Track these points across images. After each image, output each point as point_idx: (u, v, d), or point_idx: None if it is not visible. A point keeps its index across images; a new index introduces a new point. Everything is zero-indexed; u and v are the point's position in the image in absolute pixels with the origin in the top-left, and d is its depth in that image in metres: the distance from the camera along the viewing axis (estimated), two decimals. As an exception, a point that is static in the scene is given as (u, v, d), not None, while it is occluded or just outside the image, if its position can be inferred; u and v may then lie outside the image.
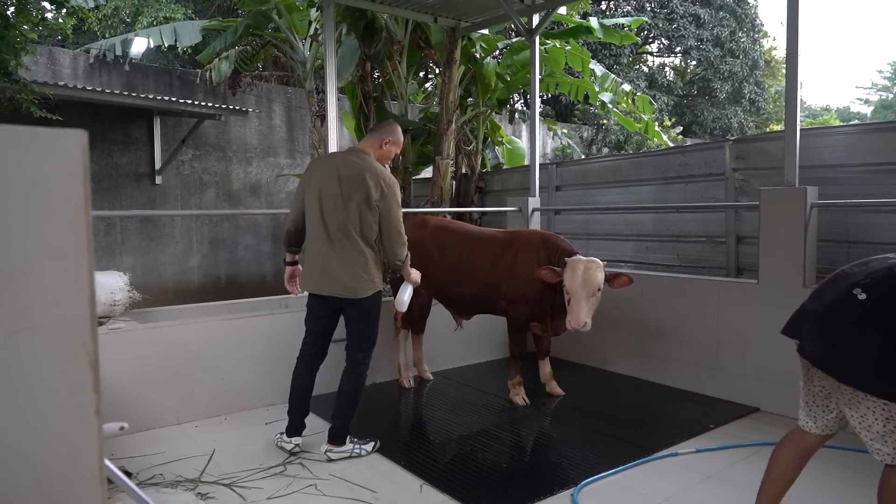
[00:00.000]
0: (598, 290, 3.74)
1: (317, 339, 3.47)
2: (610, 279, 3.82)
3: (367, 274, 3.24)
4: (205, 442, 3.56)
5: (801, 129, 3.90)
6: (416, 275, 3.54)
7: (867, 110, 28.57)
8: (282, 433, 3.46)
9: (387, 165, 3.52)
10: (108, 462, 1.80)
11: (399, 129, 3.47)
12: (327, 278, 3.25)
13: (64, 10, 6.25)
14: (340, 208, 3.19)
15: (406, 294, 3.54)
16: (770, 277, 3.97)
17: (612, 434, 3.63)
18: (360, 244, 3.22)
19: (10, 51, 5.31)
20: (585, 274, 3.71)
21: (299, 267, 3.57)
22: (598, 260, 3.82)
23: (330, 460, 3.29)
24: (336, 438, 3.32)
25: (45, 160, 0.81)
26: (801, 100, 3.91)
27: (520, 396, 4.23)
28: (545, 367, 4.47)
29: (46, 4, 5.89)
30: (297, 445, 3.40)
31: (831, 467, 3.13)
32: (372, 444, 3.42)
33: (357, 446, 3.36)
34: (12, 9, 5.64)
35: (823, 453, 3.23)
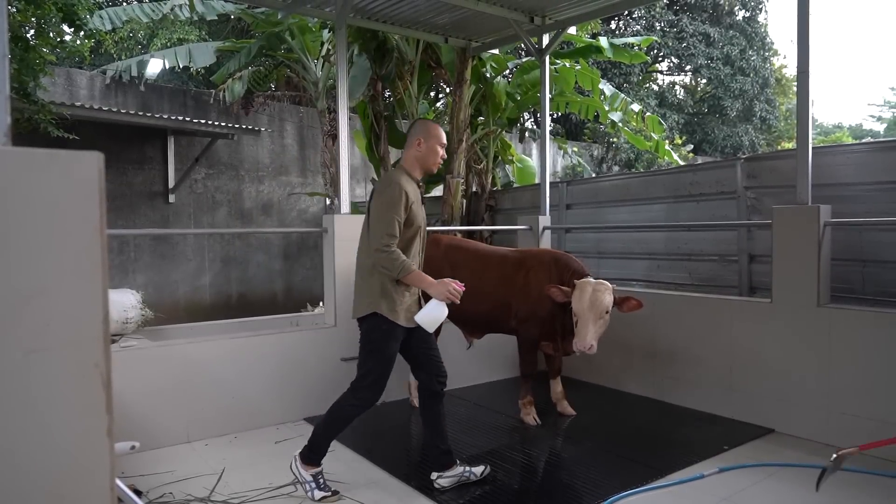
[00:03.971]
0: (606, 312, 3.71)
1: (411, 370, 3.35)
2: (619, 302, 3.78)
3: (360, 292, 3.07)
4: (215, 460, 3.55)
5: (813, 147, 3.88)
6: (437, 285, 2.97)
7: (880, 128, 28.40)
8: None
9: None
10: (118, 481, 1.80)
11: (427, 122, 3.22)
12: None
13: (82, 33, 6.39)
14: (364, 227, 3.16)
15: (427, 312, 2.98)
16: (784, 296, 3.93)
17: (624, 455, 3.59)
18: (361, 262, 3.12)
19: (30, 72, 5.42)
20: (593, 296, 3.68)
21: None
22: (607, 283, 3.80)
23: (293, 472, 3.09)
24: (305, 456, 3.09)
25: (62, 182, 0.82)
26: (813, 117, 3.90)
27: (531, 416, 4.19)
28: (557, 387, 4.43)
29: (65, 27, 6.02)
30: (438, 479, 3.17)
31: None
32: (320, 492, 3.03)
33: (310, 481, 3.05)
34: (32, 32, 5.77)
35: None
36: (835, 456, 2.93)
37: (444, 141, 3.22)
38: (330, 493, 3.04)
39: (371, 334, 3.04)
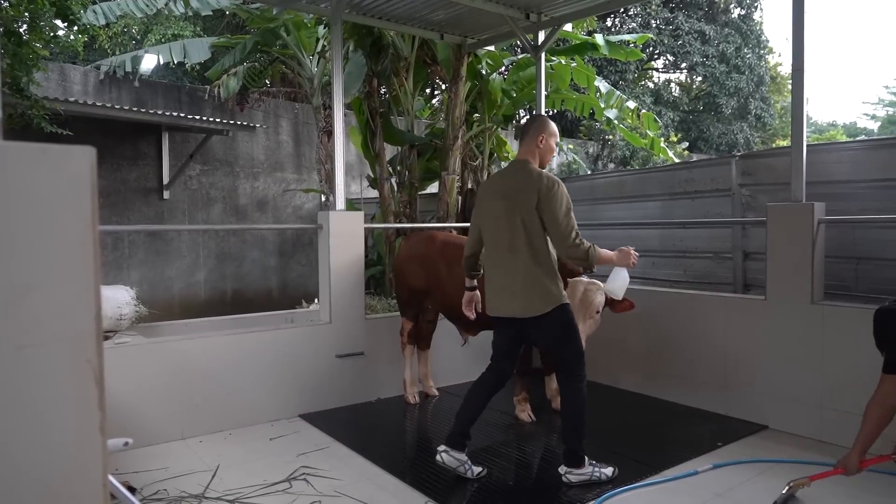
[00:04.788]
0: (597, 312, 3.71)
1: (498, 362, 3.34)
2: (611, 303, 3.79)
3: (541, 289, 3.11)
4: (209, 457, 3.55)
5: (807, 145, 3.89)
6: (619, 255, 3.24)
7: (874, 126, 28.51)
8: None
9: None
10: (111, 478, 1.79)
11: (547, 120, 3.30)
12: (504, 299, 3.19)
13: (75, 28, 6.35)
14: (506, 227, 3.13)
15: (617, 281, 3.29)
16: (778, 294, 3.94)
17: (618, 452, 3.59)
18: (529, 259, 3.09)
19: (23, 67, 5.39)
20: (584, 296, 3.68)
21: (477, 293, 3.56)
22: (598, 283, 3.80)
23: (570, 483, 3.14)
24: (572, 461, 3.16)
25: (54, 177, 0.81)
26: (808, 115, 3.91)
27: (526, 413, 4.20)
28: (551, 384, 4.44)
29: (58, 22, 5.98)
30: (443, 453, 3.23)
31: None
32: (611, 469, 3.22)
33: (597, 469, 3.18)
34: (25, 27, 5.73)
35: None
36: (787, 486, 2.94)
37: (559, 138, 3.36)
38: (613, 468, 3.22)
39: (565, 321, 3.16)
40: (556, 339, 3.18)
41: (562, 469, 3.19)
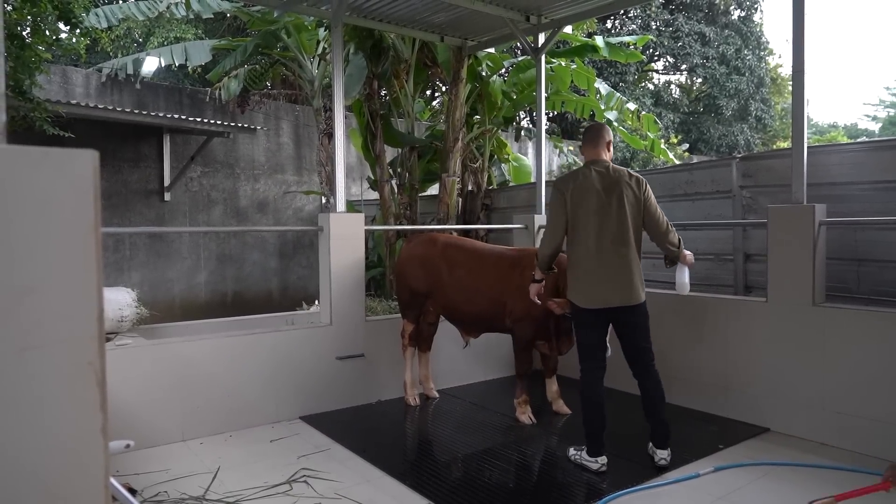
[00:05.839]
0: None
1: (601, 354, 3.51)
2: None
3: (642, 276, 3.40)
4: (210, 459, 3.55)
5: (808, 147, 3.89)
6: (690, 255, 3.59)
7: (875, 127, 28.49)
8: (580, 450, 3.45)
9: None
10: (112, 479, 1.79)
11: (607, 126, 3.61)
12: (613, 289, 3.34)
13: (78, 31, 6.37)
14: (614, 220, 3.32)
15: (684, 277, 3.59)
16: (779, 296, 3.94)
17: (620, 454, 3.59)
18: (634, 249, 3.36)
19: (25, 70, 5.40)
20: None
21: (542, 286, 3.69)
22: None
23: (661, 462, 3.38)
24: (667, 442, 3.41)
25: (57, 180, 0.82)
26: (808, 117, 3.92)
27: (526, 415, 4.20)
28: (552, 386, 4.44)
29: (61, 25, 6.00)
30: (603, 465, 3.36)
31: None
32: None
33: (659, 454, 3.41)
34: (28, 30, 5.75)
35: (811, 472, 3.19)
36: None
37: None
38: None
39: (647, 312, 3.47)
40: (646, 324, 3.46)
41: (661, 454, 3.40)
